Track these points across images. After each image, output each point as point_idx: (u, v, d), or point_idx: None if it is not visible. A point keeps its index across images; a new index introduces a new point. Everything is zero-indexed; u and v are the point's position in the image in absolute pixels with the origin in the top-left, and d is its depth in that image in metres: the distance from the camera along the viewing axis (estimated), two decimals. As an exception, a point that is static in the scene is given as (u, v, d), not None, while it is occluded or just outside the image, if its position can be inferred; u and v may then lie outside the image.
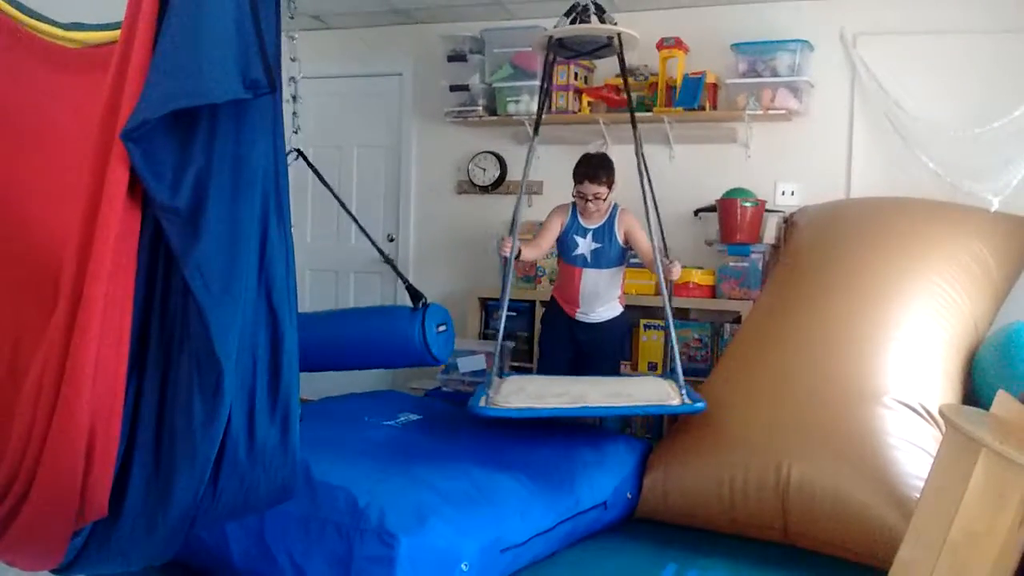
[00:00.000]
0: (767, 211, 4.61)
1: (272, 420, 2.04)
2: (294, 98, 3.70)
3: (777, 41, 4.53)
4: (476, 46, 5.11)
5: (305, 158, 3.62)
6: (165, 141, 1.79)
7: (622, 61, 3.71)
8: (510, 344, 4.92)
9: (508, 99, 5.01)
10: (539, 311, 4.68)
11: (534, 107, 4.00)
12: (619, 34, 3.63)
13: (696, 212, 4.82)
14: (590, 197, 3.93)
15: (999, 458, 2.21)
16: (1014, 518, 2.22)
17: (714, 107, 4.71)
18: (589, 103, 4.93)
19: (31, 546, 1.95)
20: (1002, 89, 4.27)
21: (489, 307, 5.09)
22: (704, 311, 4.69)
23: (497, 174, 5.28)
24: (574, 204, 4.08)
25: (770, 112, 4.55)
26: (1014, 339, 3.59)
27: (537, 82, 4.16)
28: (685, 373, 4.53)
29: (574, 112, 4.92)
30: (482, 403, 3.39)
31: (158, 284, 1.90)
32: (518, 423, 3.66)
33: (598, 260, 4.03)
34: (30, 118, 2.26)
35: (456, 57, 5.13)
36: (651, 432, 4.57)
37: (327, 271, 5.77)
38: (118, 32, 1.94)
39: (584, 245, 4.03)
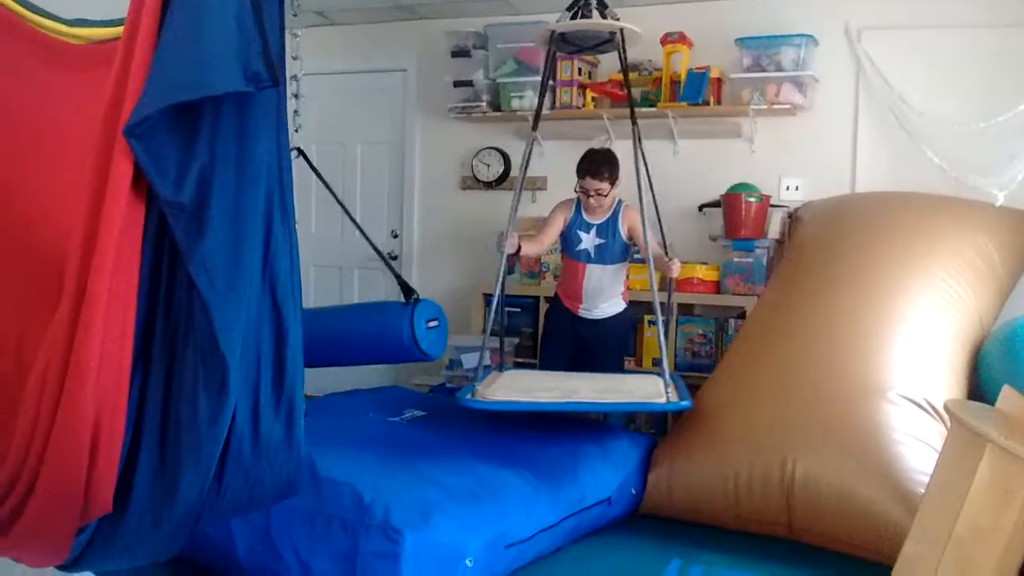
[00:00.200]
0: (771, 206, 4.61)
1: (276, 415, 2.04)
2: (295, 96, 3.69)
3: (781, 36, 4.53)
4: (480, 42, 5.10)
5: (306, 157, 3.62)
6: (168, 137, 1.79)
7: (623, 57, 3.70)
8: (514, 340, 4.93)
9: (512, 95, 5.00)
10: (543, 307, 4.68)
11: (547, 102, 3.99)
12: (620, 30, 3.62)
13: (700, 207, 4.81)
14: (592, 193, 3.93)
15: (1004, 453, 2.21)
16: (1019, 513, 2.22)
17: (718, 102, 4.70)
18: (593, 98, 4.93)
19: (36, 542, 1.95)
20: (1007, 83, 4.26)
21: (490, 303, 5.08)
22: (708, 307, 4.69)
23: (501, 170, 5.28)
24: (579, 199, 4.08)
25: (774, 107, 4.54)
26: (1019, 334, 3.58)
27: (546, 76, 4.15)
28: (689, 369, 4.59)
29: (578, 107, 4.91)
30: (469, 395, 3.42)
31: (162, 280, 1.90)
32: (523, 419, 3.66)
33: (601, 256, 4.03)
34: (33, 114, 2.26)
35: (460, 53, 5.12)
36: (655, 428, 4.56)
37: (331, 267, 5.78)
38: (121, 28, 1.94)
39: (588, 240, 4.03)
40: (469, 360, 4.74)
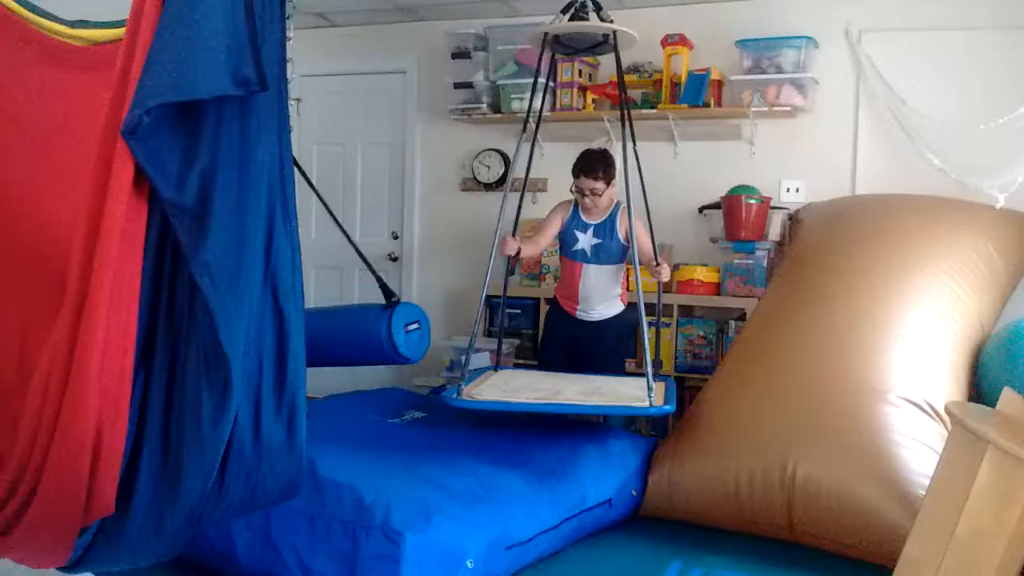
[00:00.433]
0: (772, 208, 4.61)
1: (278, 417, 2.04)
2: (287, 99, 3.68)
3: (782, 37, 4.53)
4: (480, 43, 5.10)
5: (295, 162, 3.61)
6: (170, 139, 1.80)
7: (618, 59, 3.69)
8: (515, 341, 4.93)
9: (512, 96, 5.01)
10: (544, 308, 4.68)
11: (538, 104, 4.01)
12: (614, 32, 3.61)
13: (701, 209, 4.81)
14: (587, 192, 3.94)
15: (1005, 455, 2.21)
16: (1020, 515, 2.22)
17: (719, 104, 4.70)
18: (593, 100, 4.93)
19: (38, 543, 1.96)
20: (1007, 85, 4.26)
21: (493, 304, 5.09)
22: (709, 308, 4.69)
23: (501, 171, 5.28)
24: (575, 202, 4.09)
25: (775, 109, 4.54)
26: (1020, 336, 3.58)
27: (542, 79, 4.15)
28: (689, 371, 4.60)
29: (578, 109, 4.92)
30: (455, 395, 3.44)
31: (164, 281, 1.90)
32: (523, 420, 3.67)
33: (598, 256, 4.03)
34: (36, 115, 2.26)
35: (460, 54, 5.13)
36: (656, 429, 4.56)
37: (332, 268, 5.78)
38: (123, 30, 1.95)
39: (584, 240, 4.03)
40: (473, 361, 4.74)
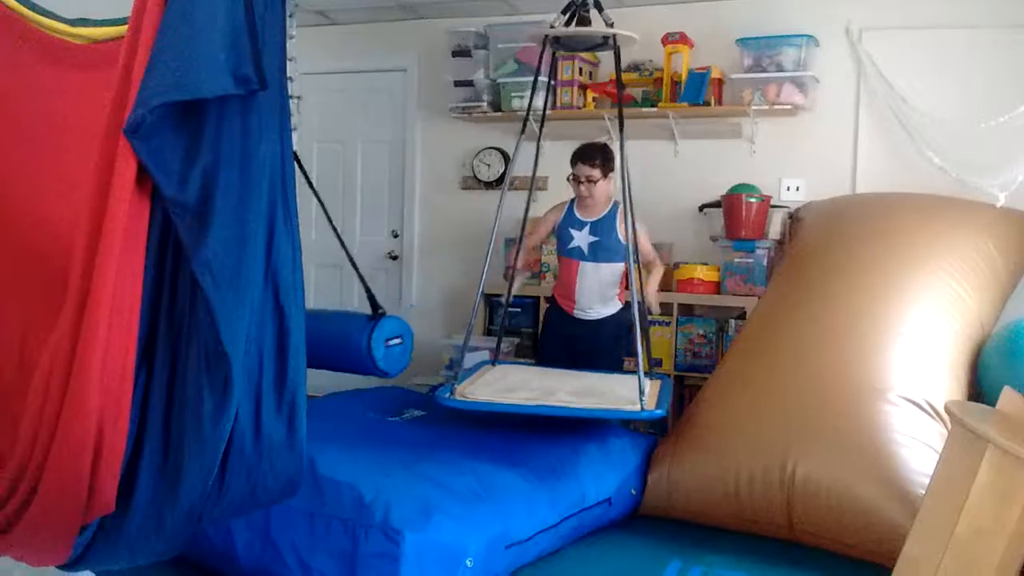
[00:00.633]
0: (772, 207, 4.61)
1: (278, 415, 2.05)
2: (291, 97, 3.67)
3: (782, 36, 4.53)
4: (480, 41, 5.10)
5: (298, 160, 3.60)
6: (172, 137, 1.80)
7: (617, 65, 3.68)
8: (514, 340, 4.93)
9: (513, 94, 5.00)
10: (543, 307, 4.68)
11: (538, 103, 4.01)
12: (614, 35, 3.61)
13: (701, 208, 4.81)
14: (583, 179, 3.96)
15: (1005, 454, 2.21)
16: (1020, 514, 2.22)
17: (719, 102, 4.70)
18: (594, 99, 4.93)
19: (39, 541, 1.96)
20: (1008, 84, 4.26)
21: (493, 303, 5.09)
22: (709, 307, 4.69)
23: (501, 170, 5.28)
24: (571, 201, 4.11)
25: (775, 107, 4.54)
26: (1020, 335, 3.57)
27: (543, 78, 4.15)
28: (689, 369, 4.60)
29: (579, 108, 4.92)
30: (448, 394, 3.46)
31: (166, 279, 1.91)
32: (522, 419, 3.66)
33: (595, 253, 4.03)
34: (36, 114, 2.26)
35: (460, 52, 5.13)
36: (656, 428, 4.56)
37: (332, 267, 5.77)
38: (124, 28, 1.95)
39: (580, 237, 4.03)
40: (469, 360, 4.74)
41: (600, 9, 3.64)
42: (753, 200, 4.52)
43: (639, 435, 3.98)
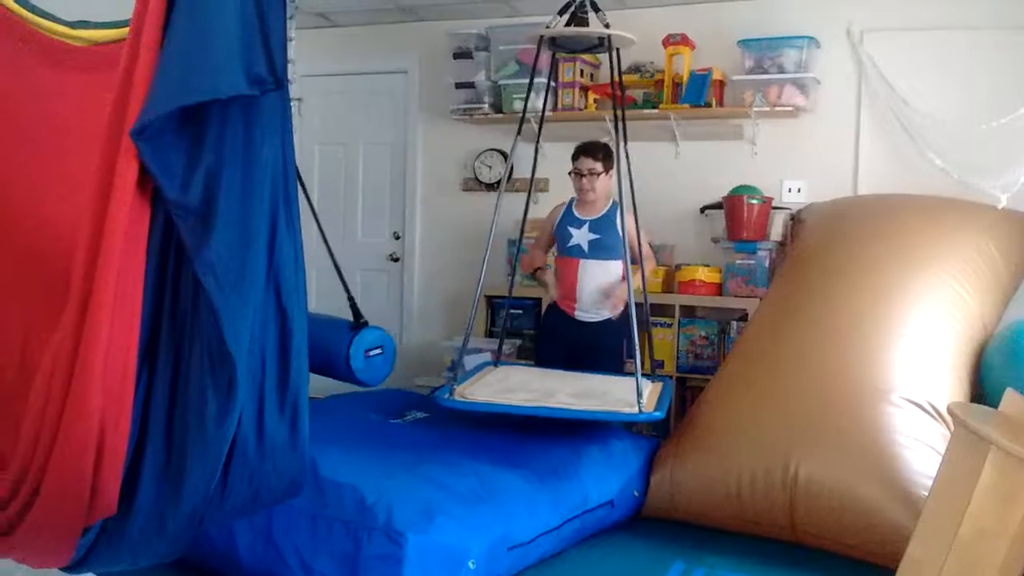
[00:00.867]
0: (774, 208, 4.60)
1: (281, 416, 2.05)
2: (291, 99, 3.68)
3: (784, 37, 4.53)
4: (482, 43, 5.10)
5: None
6: (175, 139, 1.80)
7: (612, 65, 3.68)
8: (516, 341, 4.93)
9: (514, 96, 5.00)
10: (545, 308, 4.67)
11: (539, 104, 4.01)
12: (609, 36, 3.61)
13: (702, 209, 4.81)
14: (585, 172, 3.98)
15: (1008, 456, 2.20)
16: (1023, 516, 2.22)
17: (720, 104, 4.70)
18: (595, 100, 4.92)
19: (41, 543, 1.95)
20: (1009, 85, 4.26)
21: (495, 305, 5.09)
22: (711, 309, 4.69)
23: (503, 171, 5.28)
24: (570, 202, 4.13)
25: (777, 109, 4.54)
26: (1022, 337, 3.57)
27: (543, 79, 4.15)
28: (691, 371, 4.59)
29: (580, 109, 4.91)
30: (447, 395, 3.47)
31: (168, 281, 1.91)
32: (525, 420, 3.66)
33: (595, 251, 4.02)
34: (37, 116, 2.26)
35: (462, 54, 5.12)
36: (658, 430, 4.56)
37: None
38: (125, 30, 1.95)
39: (579, 235, 4.03)
40: (471, 362, 4.74)
41: (597, 10, 3.64)
42: (754, 202, 4.52)
43: (641, 437, 3.97)
